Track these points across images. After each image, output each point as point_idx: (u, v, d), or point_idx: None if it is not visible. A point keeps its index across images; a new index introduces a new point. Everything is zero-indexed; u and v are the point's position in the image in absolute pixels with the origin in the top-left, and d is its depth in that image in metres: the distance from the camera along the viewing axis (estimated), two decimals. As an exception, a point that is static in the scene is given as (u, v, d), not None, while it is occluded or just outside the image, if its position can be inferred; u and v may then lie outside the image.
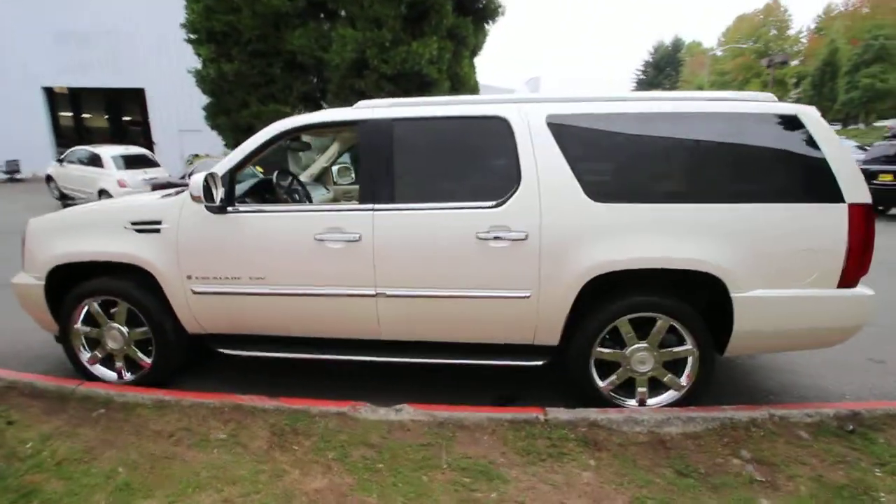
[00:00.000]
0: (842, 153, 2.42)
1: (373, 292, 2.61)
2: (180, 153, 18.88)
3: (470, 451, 2.32)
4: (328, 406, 2.62)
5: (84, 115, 23.63)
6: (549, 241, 2.46)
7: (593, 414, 2.52)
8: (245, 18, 10.02)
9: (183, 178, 9.89)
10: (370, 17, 9.12)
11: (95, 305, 2.90)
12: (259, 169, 9.47)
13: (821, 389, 3.12)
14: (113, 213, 2.90)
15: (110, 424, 2.55)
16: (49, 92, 20.77)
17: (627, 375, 2.64)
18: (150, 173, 11.38)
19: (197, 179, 2.47)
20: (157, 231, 2.74)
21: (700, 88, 41.11)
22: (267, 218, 2.70)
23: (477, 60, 11.96)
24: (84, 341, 3.01)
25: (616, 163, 2.51)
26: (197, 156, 16.00)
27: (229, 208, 2.69)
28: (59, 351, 3.29)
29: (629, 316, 2.54)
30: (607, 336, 2.60)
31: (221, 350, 2.90)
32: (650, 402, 2.66)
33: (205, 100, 11.98)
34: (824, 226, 2.40)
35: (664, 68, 55.94)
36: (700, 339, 2.53)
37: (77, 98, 22.39)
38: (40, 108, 20.65)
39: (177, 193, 2.97)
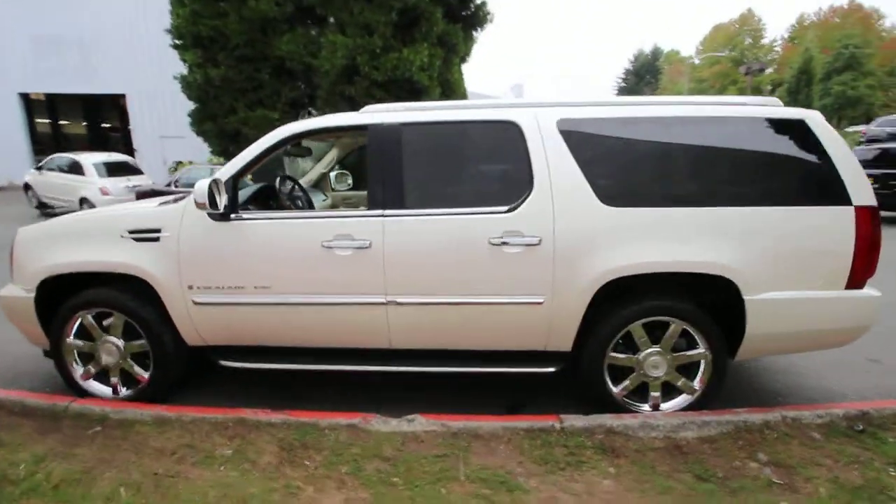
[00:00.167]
0: (847, 156, 2.45)
1: (383, 300, 2.55)
2: (162, 160, 18.52)
3: (487, 461, 2.27)
4: (337, 418, 2.54)
5: (62, 122, 23.06)
6: (563, 245, 2.44)
7: (609, 420, 2.49)
8: (232, 23, 9.88)
9: (168, 185, 9.67)
10: (360, 24, 9.07)
11: (90, 318, 2.78)
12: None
13: (825, 390, 3.15)
14: (108, 221, 2.79)
15: (108, 443, 2.43)
16: (25, 98, 20.20)
17: (641, 380, 2.62)
18: (134, 181, 11.11)
19: (202, 186, 2.39)
20: (157, 240, 2.64)
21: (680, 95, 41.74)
22: (272, 225, 2.62)
23: (464, 67, 12.02)
24: (77, 356, 2.88)
25: (628, 166, 2.51)
26: (180, 163, 15.71)
27: (232, 215, 2.61)
28: (48, 366, 3.15)
29: (642, 320, 2.52)
30: (620, 341, 2.58)
31: (224, 363, 2.80)
32: (663, 406, 2.64)
33: (189, 106, 11.75)
34: (832, 228, 2.43)
35: (644, 76, 57.08)
36: (713, 343, 2.53)
37: (54, 104, 21.85)
38: (17, 114, 20.05)
39: (175, 201, 2.88)
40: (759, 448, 2.38)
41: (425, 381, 3.10)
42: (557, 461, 2.26)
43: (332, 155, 4.11)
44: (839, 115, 32.80)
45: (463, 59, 11.37)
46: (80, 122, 23.74)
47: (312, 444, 2.38)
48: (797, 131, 2.49)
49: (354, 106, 8.84)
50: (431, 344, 2.69)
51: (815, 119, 2.50)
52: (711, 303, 2.60)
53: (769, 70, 45.77)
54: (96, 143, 20.81)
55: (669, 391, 2.66)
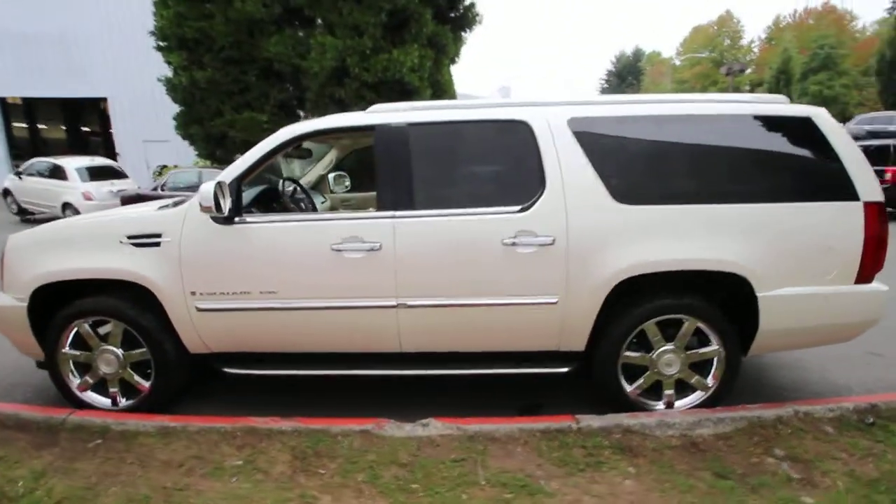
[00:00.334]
0: (854, 152, 2.48)
1: (394, 303, 2.50)
2: (146, 164, 18.14)
3: (506, 464, 2.23)
4: (350, 424, 2.48)
5: (40, 126, 22.44)
6: (577, 244, 2.42)
7: (625, 419, 2.47)
8: (218, 25, 9.74)
9: (155, 189, 9.45)
10: (349, 25, 9.01)
11: (86, 327, 2.67)
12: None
13: (830, 384, 3.19)
14: (106, 226, 2.69)
15: (110, 456, 2.33)
16: (2, 102, 19.61)
17: (654, 379, 2.61)
18: (118, 185, 10.84)
19: (207, 189, 2.31)
20: (157, 245, 2.55)
21: (663, 96, 42.21)
22: (278, 228, 2.55)
23: (452, 69, 12.01)
24: (73, 366, 2.76)
25: (640, 164, 2.50)
26: (165, 167, 15.41)
27: (237, 219, 2.53)
28: (41, 378, 3.03)
29: (656, 318, 2.51)
30: (634, 340, 2.57)
31: (228, 370, 2.72)
32: (677, 404, 2.64)
33: (173, 109, 11.55)
34: (842, 224, 2.45)
35: (626, 77, 57.81)
36: (726, 340, 2.53)
37: (32, 108, 21.26)
38: (-8, 119, 19.48)
39: (175, 205, 2.79)
40: (775, 443, 2.38)
41: (430, 384, 3.06)
42: (577, 462, 2.24)
43: (331, 157, 4.05)
44: (817, 114, 33.52)
45: (452, 61, 11.38)
46: (60, 126, 23.14)
47: (326, 451, 2.31)
48: (804, 128, 2.50)
49: (344, 108, 8.77)
50: (442, 347, 2.64)
51: (821, 116, 2.52)
52: (721, 300, 2.61)
53: (748, 70, 46.74)
54: (76, 147, 20.29)
55: (682, 389, 2.66)
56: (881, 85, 24.94)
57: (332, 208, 4.15)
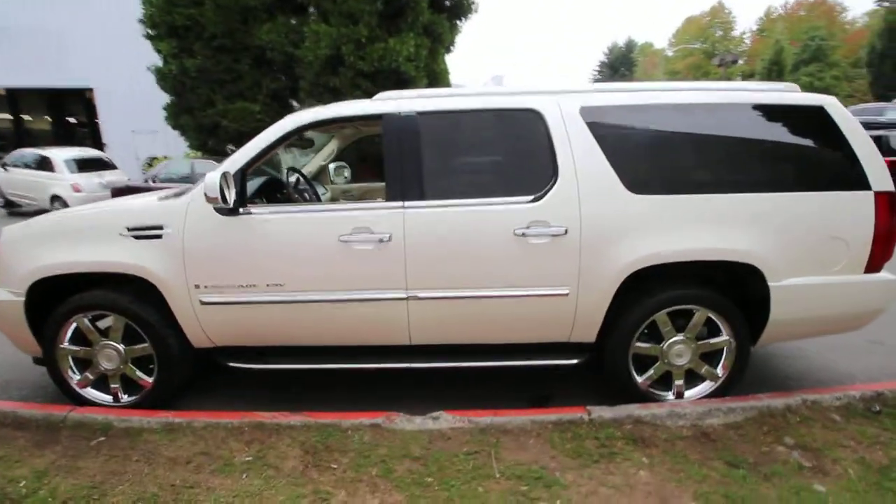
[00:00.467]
0: (866, 141, 2.47)
1: (404, 295, 2.46)
2: (134, 155, 17.79)
3: (519, 456, 2.21)
4: (360, 418, 2.45)
5: (24, 117, 21.91)
6: (589, 235, 2.39)
7: (636, 410, 2.47)
8: (208, 12, 9.51)
9: (146, 181, 9.27)
10: (344, 13, 8.84)
11: (86, 322, 2.60)
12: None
13: (833, 372, 3.21)
14: (105, 218, 2.61)
15: (114, 453, 2.28)
16: (-17, 92, 19.13)
17: (665, 369, 2.61)
18: (107, 177, 10.61)
19: (213, 178, 2.24)
20: (159, 237, 2.48)
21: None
22: (285, 219, 2.49)
23: (447, 58, 11.87)
24: (72, 362, 2.69)
25: (653, 153, 2.47)
26: (156, 158, 15.13)
27: (241, 210, 2.47)
28: (38, 374, 2.96)
29: (668, 309, 2.50)
30: (644, 330, 2.56)
31: (232, 364, 2.67)
32: (687, 394, 2.64)
33: (162, 99, 11.31)
34: (853, 213, 2.44)
35: (619, 68, 57.70)
36: (737, 330, 2.53)
37: (15, 98, 20.72)
38: (-27, 109, 18.97)
39: (176, 196, 2.71)
40: (784, 432, 2.39)
41: (436, 377, 3.03)
42: (590, 454, 2.23)
43: (332, 146, 3.97)
44: (807, 105, 33.79)
45: (448, 50, 11.24)
46: (44, 117, 22.61)
47: (336, 446, 2.28)
48: (817, 117, 2.48)
49: (339, 98, 8.64)
50: (453, 339, 2.61)
51: (833, 105, 2.50)
52: (730, 290, 2.60)
53: (740, 61, 46.87)
54: (62, 138, 19.81)
55: (691, 379, 2.66)
56: (872, 76, 25.16)
57: (333, 199, 4.08)
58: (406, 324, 2.52)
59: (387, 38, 8.89)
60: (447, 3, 10.57)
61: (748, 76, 42.22)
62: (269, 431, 2.38)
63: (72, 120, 21.99)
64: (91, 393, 2.71)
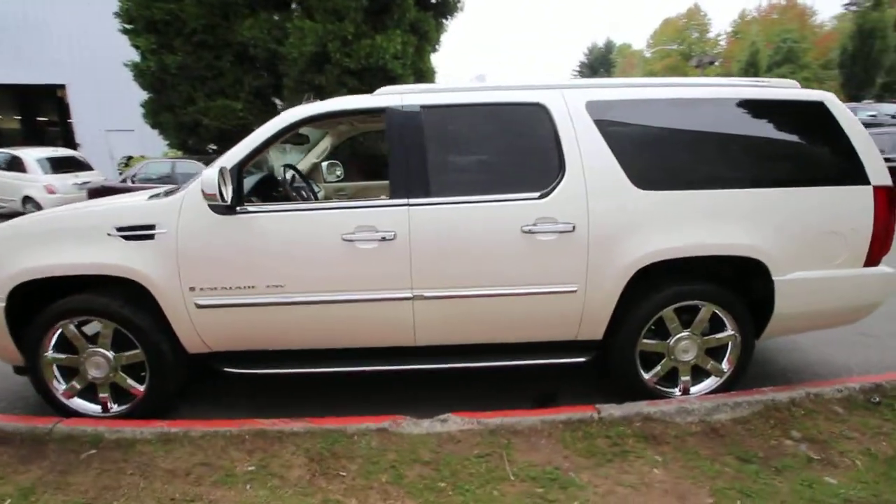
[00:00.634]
0: (864, 136, 2.50)
1: (409, 295, 2.39)
2: (109, 155, 17.23)
3: (532, 457, 2.17)
4: (365, 423, 2.37)
5: (-11, 116, 21.03)
6: (597, 231, 2.36)
7: (645, 407, 2.45)
8: (189, 6, 9.23)
9: (124, 181, 8.96)
10: (329, 9, 8.68)
11: (72, 328, 2.46)
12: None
13: (830, 364, 3.26)
14: (91, 218, 2.48)
15: (107, 467, 2.16)
16: (-54, 90, 18.25)
17: (671, 365, 2.60)
18: (82, 177, 10.22)
19: (210, 175, 2.14)
20: (151, 237, 2.36)
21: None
22: (285, 218, 2.40)
23: (432, 57, 11.80)
24: (57, 371, 2.55)
25: (659, 149, 2.45)
26: (131, 158, 14.68)
27: (238, 208, 2.37)
28: (17, 383, 2.80)
29: (674, 305, 2.49)
30: (651, 327, 2.54)
31: (229, 370, 2.56)
32: (693, 390, 2.63)
33: (138, 96, 10.95)
34: (854, 207, 2.47)
35: (598, 69, 58.46)
36: (742, 324, 2.53)
37: (-21, 96, 19.83)
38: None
39: (167, 194, 2.59)
40: (790, 425, 2.41)
41: (437, 378, 2.97)
42: (603, 453, 2.20)
43: (325, 144, 3.87)
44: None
45: (434, 48, 11.15)
46: (13, 116, 21.72)
47: (343, 452, 2.20)
48: (817, 113, 2.51)
49: (324, 96, 8.46)
50: (459, 339, 2.56)
51: (832, 101, 2.53)
52: (732, 285, 2.60)
53: (716, 63, 47.94)
54: (32, 138, 19.07)
55: (697, 375, 2.66)
56: (843, 77, 26.01)
57: (327, 198, 3.98)
58: (411, 324, 2.46)
59: (373, 35, 8.77)
60: (433, 0, 10.50)
61: (725, 77, 43.21)
62: (271, 439, 2.28)
63: (42, 119, 21.17)
64: (78, 403, 2.57)
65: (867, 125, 3.08)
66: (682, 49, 52.17)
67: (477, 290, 2.40)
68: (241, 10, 9.44)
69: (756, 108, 2.50)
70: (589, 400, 2.68)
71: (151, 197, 2.59)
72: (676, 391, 2.63)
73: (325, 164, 4.05)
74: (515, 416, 2.41)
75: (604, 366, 2.67)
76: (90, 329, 2.57)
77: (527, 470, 2.09)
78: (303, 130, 3.23)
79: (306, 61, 8.93)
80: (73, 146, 16.85)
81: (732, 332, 2.56)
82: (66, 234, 2.42)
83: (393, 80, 9.21)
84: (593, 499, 1.93)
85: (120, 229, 2.37)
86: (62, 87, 18.00)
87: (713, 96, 2.49)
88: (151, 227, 2.36)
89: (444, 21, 10.97)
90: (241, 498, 1.95)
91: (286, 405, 2.77)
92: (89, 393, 2.58)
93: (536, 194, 2.37)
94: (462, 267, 2.38)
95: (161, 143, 12.58)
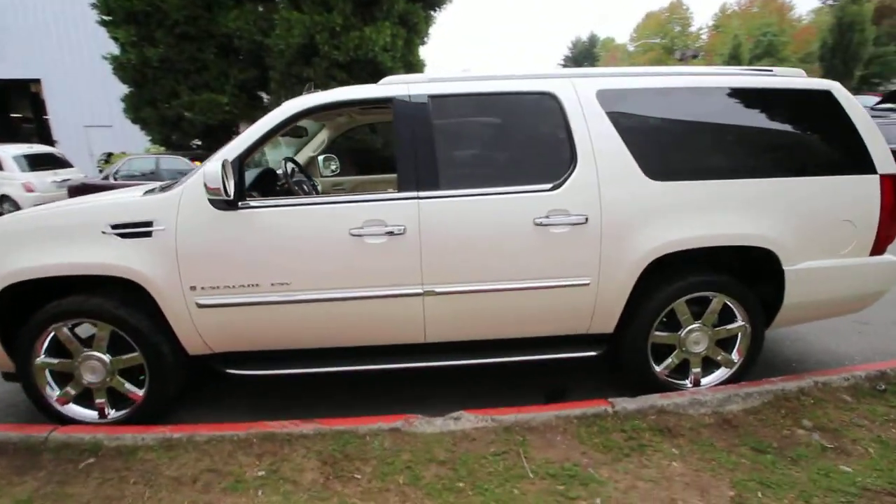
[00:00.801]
0: (871, 125, 2.50)
1: (419, 290, 2.33)
2: (88, 152, 16.73)
3: (549, 454, 2.14)
4: (377, 423, 2.31)
5: (-42, 112, 20.18)
6: (610, 223, 2.32)
7: (659, 400, 2.43)
8: (170, -3, 8.95)
9: (106, 178, 8.69)
10: (317, 0, 8.49)
11: (65, 331, 2.35)
12: (199, 164, 8.56)
13: (831, 353, 3.29)
14: (84, 215, 2.36)
15: (108, 476, 2.06)
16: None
17: (682, 357, 2.59)
18: (62, 174, 9.89)
19: (214, 167, 2.04)
20: (148, 234, 2.26)
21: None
22: (289, 213, 2.31)
23: (421, 49, 11.66)
24: (50, 376, 2.43)
25: (670, 139, 2.43)
26: (112, 154, 14.26)
27: (240, 203, 2.27)
28: (7, 390, 2.68)
29: (686, 297, 2.47)
30: (663, 319, 2.53)
31: (232, 371, 2.47)
32: (703, 381, 2.63)
33: (118, 91, 10.61)
34: (861, 196, 2.48)
35: (582, 63, 58.67)
36: (752, 315, 2.53)
37: (-52, 91, 19.04)
38: None
39: (163, 189, 2.48)
40: (801, 414, 2.42)
41: (443, 375, 2.93)
42: (620, 447, 2.18)
43: (322, 137, 3.77)
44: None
45: (423, 41, 11.01)
46: (-17, 112, 20.90)
47: (356, 454, 2.14)
48: (825, 102, 2.50)
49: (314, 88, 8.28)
50: (469, 335, 2.51)
51: (839, 90, 2.53)
52: (741, 275, 2.60)
53: (699, 56, 48.48)
54: (5, 135, 18.38)
55: (707, 366, 2.65)
56: (823, 70, 26.48)
57: (324, 193, 3.88)
58: (421, 320, 2.40)
59: (362, 27, 8.60)
60: (422, -8, 10.34)
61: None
62: (280, 442, 2.21)
63: (16, 115, 20.41)
64: (73, 409, 2.45)
65: None
66: (665, 43, 52.64)
67: (488, 285, 2.35)
68: (225, 2, 9.18)
69: (765, 97, 2.48)
70: (597, 394, 2.66)
71: (147, 193, 2.48)
72: (687, 383, 2.62)
73: (321, 157, 3.95)
74: (530, 413, 2.37)
75: (614, 359, 2.65)
76: (83, 331, 2.46)
77: (545, 467, 2.05)
78: (301, 122, 3.13)
79: (293, 53, 8.72)
80: (50, 143, 16.31)
81: (743, 323, 2.55)
82: (57, 232, 2.30)
83: (382, 73, 9.06)
84: (615, 495, 1.90)
85: (115, 227, 2.26)
86: (36, 81, 17.37)
87: (723, 85, 2.46)
88: (149, 223, 2.26)
89: (432, 13, 10.82)
90: (254, 504, 1.88)
91: (288, 407, 2.70)
92: (85, 398, 2.47)
93: (548, 186, 2.32)
94: (473, 261, 2.32)
95: (142, 138, 12.22)
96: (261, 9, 9.47)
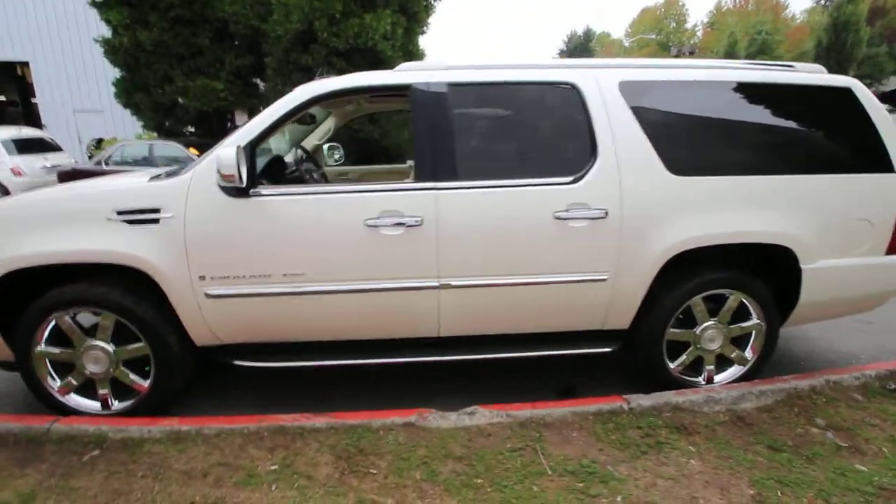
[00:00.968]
0: (890, 124, 2.48)
1: (436, 283, 2.28)
2: (77, 137, 16.37)
3: (566, 451, 2.11)
4: (390, 417, 2.27)
5: (-59, 93, 19.62)
6: (630, 218, 2.29)
7: (674, 397, 2.42)
8: (164, -21, 8.72)
9: (98, 164, 8.49)
10: (316, -15, 8.32)
11: (67, 319, 2.27)
12: (194, 151, 8.37)
13: (838, 352, 3.31)
14: (89, 199, 2.26)
15: (114, 469, 2.00)
16: None
17: (697, 354, 2.57)
18: (52, 159, 9.64)
19: (228, 154, 1.96)
20: (156, 221, 2.18)
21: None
22: (303, 202, 2.24)
23: (421, 39, 11.51)
24: (51, 366, 2.35)
25: (692, 133, 2.38)
26: (102, 140, 13.96)
27: (252, 191, 2.20)
28: (3, 380, 2.59)
29: (703, 294, 2.45)
30: (679, 315, 2.50)
31: (241, 363, 2.41)
32: (717, 378, 2.62)
33: (108, 75, 10.37)
34: (878, 195, 2.47)
35: (577, 58, 58.45)
36: (768, 313, 2.52)
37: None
38: None
39: (167, 175, 2.39)
40: (814, 413, 2.41)
41: (457, 369, 2.89)
42: (637, 444, 2.16)
43: (329, 125, 3.68)
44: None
45: (422, 31, 10.86)
46: (-33, 94, 20.32)
47: (370, 448, 2.10)
48: (844, 99, 2.48)
49: (310, 76, 8.13)
50: (483, 329, 2.47)
51: (859, 87, 2.50)
52: (757, 272, 2.58)
53: (695, 52, 48.56)
54: (-9, 118, 17.93)
55: (721, 363, 2.64)
56: (816, 70, 26.59)
57: (332, 182, 3.80)
58: (436, 314, 2.35)
59: (362, 14, 8.45)
60: (422, -19, 10.18)
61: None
62: (292, 436, 2.16)
63: (2, 98, 19.89)
64: (75, 400, 2.38)
65: None
66: (660, 39, 52.70)
67: (505, 279, 2.31)
68: (221, -15, 8.97)
69: (787, 92, 2.45)
70: (609, 390, 2.65)
71: (153, 178, 2.39)
72: (701, 380, 2.61)
73: (325, 146, 3.87)
74: (545, 409, 2.34)
75: (629, 355, 2.63)
76: (85, 320, 2.38)
77: (563, 464, 2.03)
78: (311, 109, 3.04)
79: (291, 40, 8.56)
80: (38, 127, 15.91)
81: (758, 321, 2.54)
82: (61, 217, 2.21)
83: (382, 61, 8.94)
84: (636, 493, 1.88)
85: (121, 213, 2.17)
86: (24, 63, 16.91)
87: (745, 80, 2.43)
88: (156, 210, 2.18)
89: (432, 1, 10.68)
90: (268, 499, 1.83)
91: (296, 399, 2.65)
92: (87, 389, 2.40)
93: (569, 178, 2.27)
94: (491, 254, 2.28)
95: (133, 124, 12.00)
96: (258, -7, 9.27)
